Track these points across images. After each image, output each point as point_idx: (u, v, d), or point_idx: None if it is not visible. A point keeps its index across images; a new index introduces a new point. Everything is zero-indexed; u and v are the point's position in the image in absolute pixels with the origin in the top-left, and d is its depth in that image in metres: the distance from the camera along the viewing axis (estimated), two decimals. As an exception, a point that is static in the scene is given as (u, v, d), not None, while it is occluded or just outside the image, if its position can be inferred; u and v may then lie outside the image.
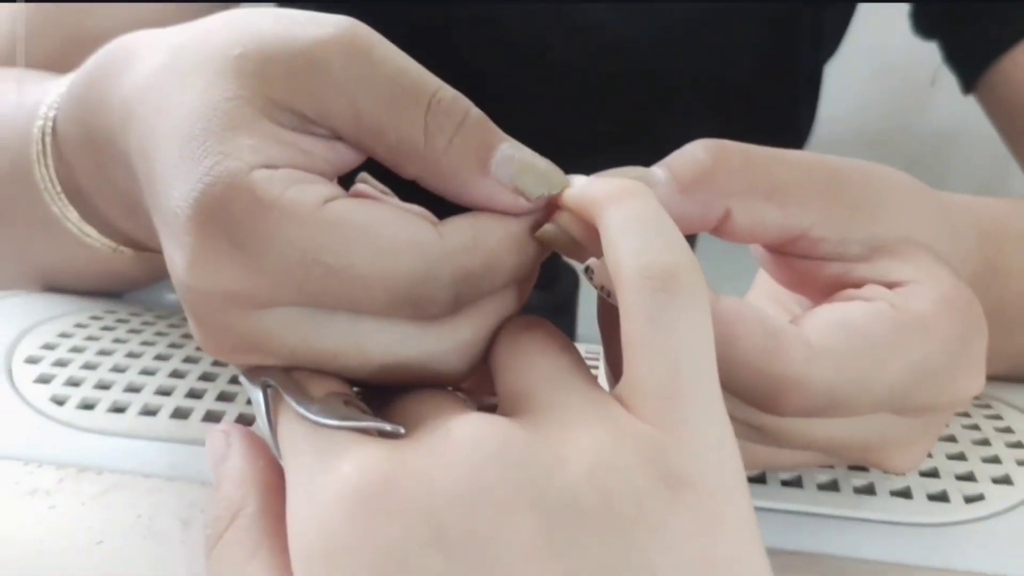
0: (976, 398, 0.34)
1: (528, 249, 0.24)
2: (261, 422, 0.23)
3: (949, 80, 0.55)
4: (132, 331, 0.36)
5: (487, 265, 0.24)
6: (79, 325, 0.36)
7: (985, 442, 0.31)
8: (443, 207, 0.24)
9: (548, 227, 0.24)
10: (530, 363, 0.23)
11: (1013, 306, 0.33)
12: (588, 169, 0.25)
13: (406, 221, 0.23)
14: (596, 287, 0.24)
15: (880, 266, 0.26)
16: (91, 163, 0.31)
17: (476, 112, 0.24)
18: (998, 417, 0.33)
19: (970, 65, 0.53)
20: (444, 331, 0.24)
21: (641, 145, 0.67)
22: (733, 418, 0.23)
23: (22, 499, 0.27)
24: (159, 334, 0.35)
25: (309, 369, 0.24)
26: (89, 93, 0.30)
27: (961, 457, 0.30)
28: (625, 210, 0.22)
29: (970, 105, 0.55)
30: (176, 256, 0.23)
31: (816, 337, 0.23)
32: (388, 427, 0.21)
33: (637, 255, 0.21)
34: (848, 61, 0.68)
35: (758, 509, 0.28)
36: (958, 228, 0.30)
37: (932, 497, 0.29)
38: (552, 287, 0.48)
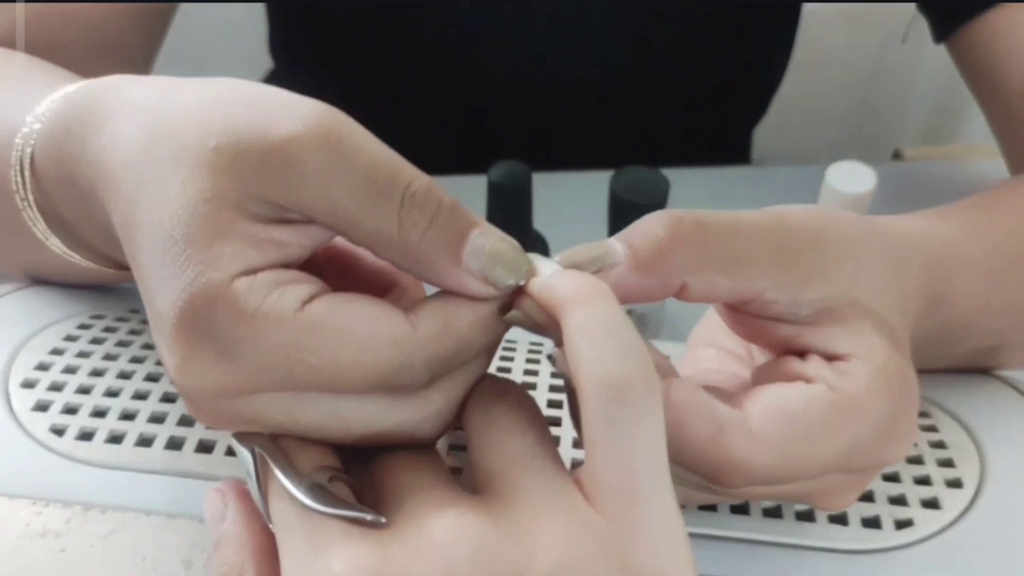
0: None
1: (496, 329, 0.26)
2: (252, 487, 0.26)
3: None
4: (121, 344, 0.37)
5: (458, 348, 0.26)
6: (69, 338, 0.37)
7: (918, 460, 0.34)
8: None
9: (515, 313, 0.26)
10: (500, 441, 0.25)
11: (955, 326, 0.36)
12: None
13: (381, 316, 0.25)
14: (559, 372, 0.26)
15: (825, 334, 0.28)
16: (74, 202, 0.32)
17: (448, 201, 0.25)
18: (933, 429, 0.36)
19: (941, 22, 0.54)
20: (419, 403, 0.26)
21: (623, 89, 0.68)
22: (684, 480, 0.26)
23: (34, 542, 0.29)
24: (147, 346, 0.37)
25: (295, 437, 0.26)
26: (67, 143, 0.31)
27: (895, 479, 0.33)
28: (585, 315, 0.24)
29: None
30: (166, 355, 0.25)
31: (757, 424, 0.26)
32: (370, 517, 0.23)
33: (595, 365, 0.23)
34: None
35: (708, 537, 0.31)
36: (905, 268, 0.32)
37: (867, 523, 0.32)
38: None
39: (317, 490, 0.24)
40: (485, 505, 0.24)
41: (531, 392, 0.33)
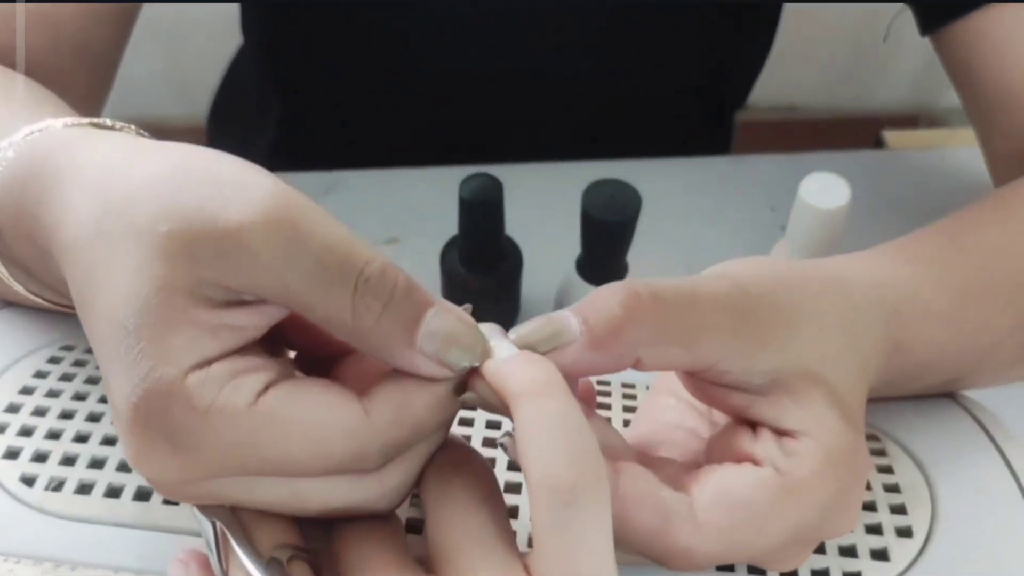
0: (872, 438, 0.38)
1: (451, 408, 0.27)
2: (213, 560, 0.26)
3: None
4: (91, 380, 0.38)
5: (414, 431, 0.26)
6: (39, 374, 0.38)
7: (871, 507, 0.35)
8: None
9: (469, 395, 0.27)
10: (453, 520, 0.26)
11: (914, 369, 0.37)
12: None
13: (335, 406, 0.25)
14: (511, 458, 0.26)
15: (777, 407, 0.29)
16: (34, 257, 0.32)
17: (403, 283, 0.25)
18: (889, 470, 0.37)
19: (927, 17, 0.54)
20: (376, 482, 0.27)
21: (602, 80, 0.68)
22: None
23: (4, 603, 0.30)
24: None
25: (255, 511, 0.27)
26: (23, 200, 0.31)
27: (847, 528, 0.34)
28: (536, 411, 0.24)
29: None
30: (123, 444, 0.25)
31: (703, 512, 0.26)
32: None
33: (544, 466, 0.24)
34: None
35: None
36: (865, 327, 0.33)
37: (816, 575, 0.33)
38: (496, 269, 0.50)
39: (275, 572, 0.25)
40: None
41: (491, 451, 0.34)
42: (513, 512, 0.33)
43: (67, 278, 0.28)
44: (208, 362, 0.24)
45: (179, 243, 0.24)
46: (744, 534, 0.26)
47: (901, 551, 0.33)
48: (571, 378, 0.28)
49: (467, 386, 0.27)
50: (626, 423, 0.37)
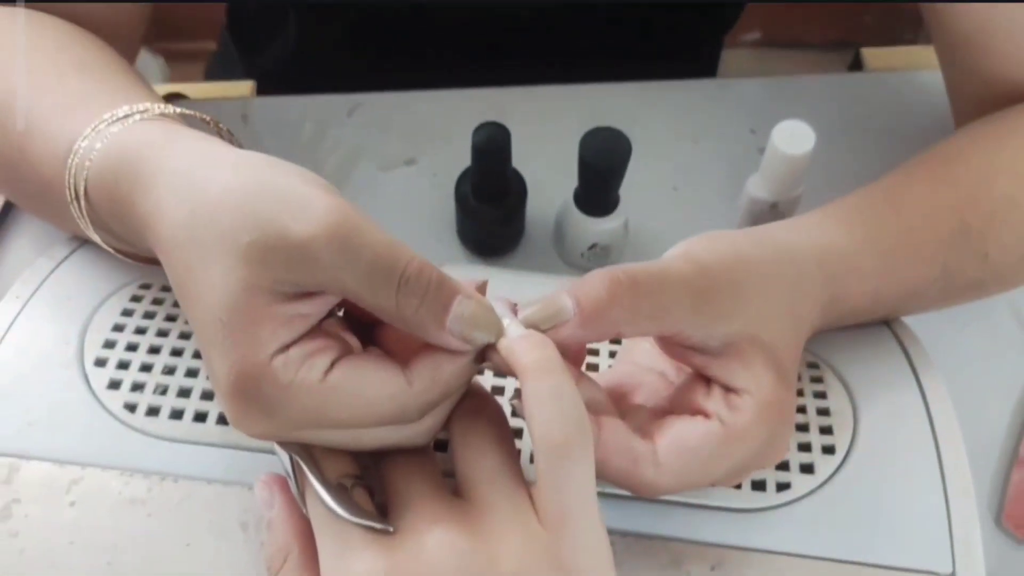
0: (813, 366, 0.46)
1: (472, 372, 0.35)
2: (291, 485, 0.35)
3: None
4: (169, 318, 0.45)
5: (443, 393, 0.34)
6: (125, 312, 0.46)
7: (804, 428, 0.44)
8: None
9: (487, 363, 0.35)
10: (474, 458, 0.35)
11: (849, 314, 0.45)
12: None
13: (384, 380, 0.33)
14: (519, 415, 0.35)
15: (726, 368, 0.37)
16: (126, 231, 0.40)
17: (436, 278, 0.33)
18: (823, 396, 0.45)
19: None
20: (415, 426, 0.35)
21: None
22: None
23: (125, 508, 0.39)
24: (190, 320, 0.45)
25: (323, 448, 0.35)
26: (116, 191, 0.38)
27: (783, 446, 0.43)
28: (538, 385, 0.32)
29: None
30: (224, 408, 0.33)
31: (662, 456, 0.35)
32: (380, 527, 0.33)
33: (543, 427, 0.32)
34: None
35: (625, 497, 0.40)
36: (804, 291, 0.40)
37: (755, 485, 0.41)
38: (502, 200, 0.57)
39: (343, 497, 0.34)
40: (463, 516, 0.33)
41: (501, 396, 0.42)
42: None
43: (164, 266, 0.35)
44: (287, 347, 0.32)
45: (258, 251, 0.32)
46: (695, 473, 0.35)
47: (825, 465, 0.42)
48: (567, 346, 0.36)
49: (484, 356, 0.35)
50: (612, 355, 0.45)
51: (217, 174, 0.34)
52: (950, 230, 0.46)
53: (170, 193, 0.35)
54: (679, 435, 0.35)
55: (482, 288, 0.37)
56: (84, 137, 0.40)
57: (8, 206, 0.64)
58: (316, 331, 0.34)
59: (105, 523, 0.38)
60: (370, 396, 0.33)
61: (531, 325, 0.35)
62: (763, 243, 0.40)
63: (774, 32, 1.77)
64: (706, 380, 0.38)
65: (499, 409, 0.37)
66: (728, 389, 0.37)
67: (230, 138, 0.46)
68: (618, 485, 0.35)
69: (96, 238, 0.42)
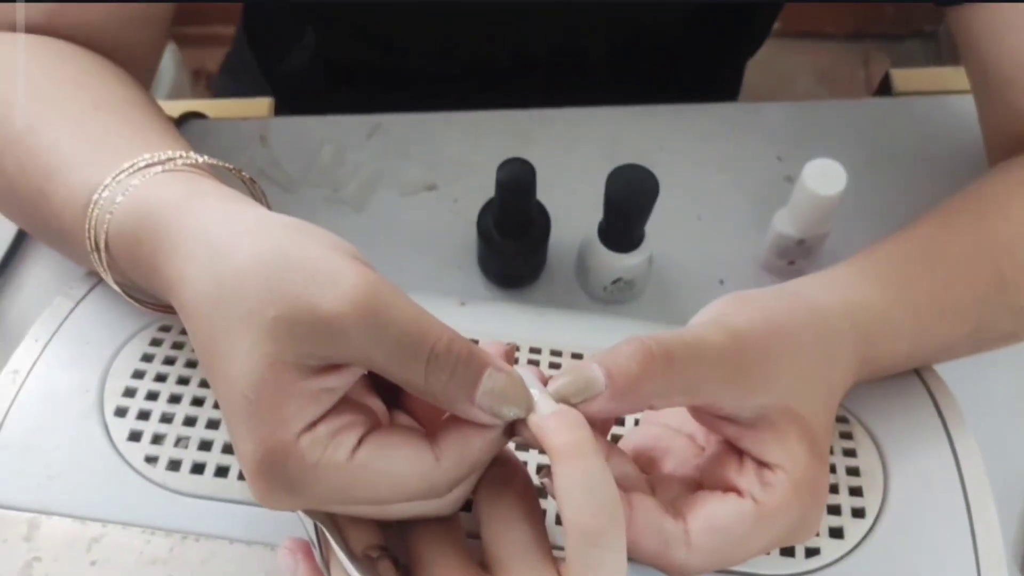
0: (842, 420, 0.46)
1: (501, 446, 0.34)
2: (316, 553, 0.35)
3: None
4: (190, 364, 0.45)
5: (472, 467, 0.34)
6: (145, 358, 0.45)
7: (834, 489, 0.43)
8: None
9: (516, 439, 0.34)
10: (503, 532, 0.34)
11: (877, 373, 0.44)
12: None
13: (412, 457, 0.32)
14: (549, 494, 0.34)
15: (759, 441, 0.36)
16: (146, 286, 0.39)
17: (465, 352, 0.32)
18: (852, 454, 0.44)
19: None
20: (442, 499, 0.34)
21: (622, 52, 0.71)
22: None
23: (146, 569, 0.38)
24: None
25: (349, 517, 0.35)
26: (138, 251, 0.38)
27: (813, 509, 0.42)
28: (571, 469, 0.32)
29: None
30: (250, 485, 0.33)
31: (694, 538, 0.34)
32: None
33: (576, 513, 0.31)
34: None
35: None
36: (837, 356, 0.39)
37: (784, 551, 0.41)
38: (527, 233, 0.57)
39: (369, 570, 0.33)
40: None
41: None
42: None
43: (189, 333, 0.35)
44: (313, 424, 0.32)
45: (284, 326, 0.31)
46: (727, 553, 0.34)
47: (854, 529, 0.42)
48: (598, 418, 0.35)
49: (514, 430, 0.34)
50: (636, 422, 0.44)
51: (242, 241, 0.34)
52: (986, 286, 0.45)
53: (194, 261, 0.34)
54: (711, 515, 0.35)
55: (509, 353, 0.37)
56: (104, 187, 0.40)
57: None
58: (343, 403, 0.33)
59: (126, 584, 0.38)
60: (398, 475, 0.32)
61: (561, 398, 0.34)
62: (796, 308, 0.39)
63: (791, 23, 1.75)
64: (738, 452, 0.37)
65: (527, 478, 0.36)
66: (761, 464, 0.36)
67: (252, 187, 0.46)
68: (649, 564, 0.35)
69: (117, 289, 0.42)
